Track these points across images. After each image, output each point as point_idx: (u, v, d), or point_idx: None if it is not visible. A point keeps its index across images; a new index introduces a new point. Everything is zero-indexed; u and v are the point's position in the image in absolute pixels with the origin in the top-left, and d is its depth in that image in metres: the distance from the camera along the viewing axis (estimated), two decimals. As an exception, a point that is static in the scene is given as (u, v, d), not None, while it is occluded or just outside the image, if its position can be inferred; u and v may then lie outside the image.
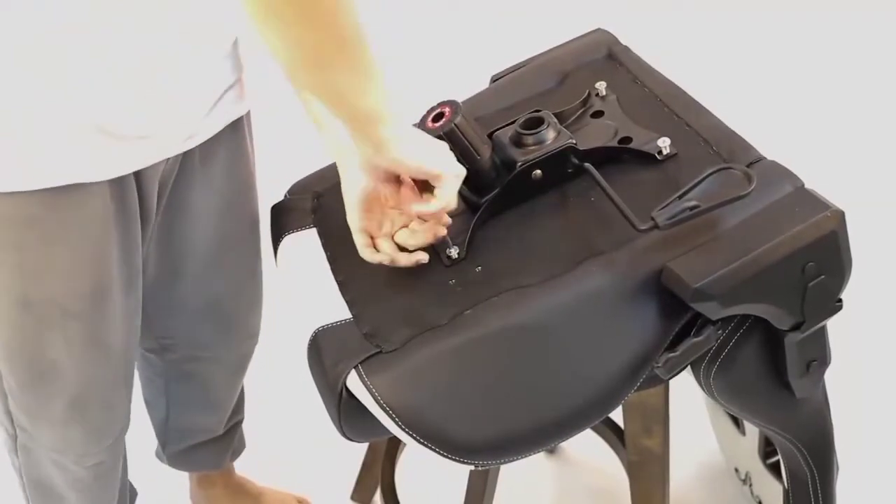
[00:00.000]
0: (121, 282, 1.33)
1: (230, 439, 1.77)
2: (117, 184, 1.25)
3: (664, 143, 1.27)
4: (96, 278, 1.29)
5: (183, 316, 1.53)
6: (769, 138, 1.47)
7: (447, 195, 1.19)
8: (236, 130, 1.41)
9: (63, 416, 1.38)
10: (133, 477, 1.66)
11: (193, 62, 1.25)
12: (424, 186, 1.22)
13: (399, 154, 1.16)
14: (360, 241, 1.24)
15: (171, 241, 1.43)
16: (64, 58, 1.13)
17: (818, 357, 1.26)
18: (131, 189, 1.28)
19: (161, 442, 1.77)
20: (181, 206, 1.40)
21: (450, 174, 1.18)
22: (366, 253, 1.24)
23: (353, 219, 1.23)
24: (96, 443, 1.44)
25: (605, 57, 1.48)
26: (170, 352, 1.61)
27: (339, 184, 1.42)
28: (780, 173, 1.21)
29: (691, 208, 1.13)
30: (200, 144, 1.33)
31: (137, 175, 1.28)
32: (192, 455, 1.76)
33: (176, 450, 1.75)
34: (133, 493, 1.70)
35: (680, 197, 1.14)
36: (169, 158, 1.31)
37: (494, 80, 1.52)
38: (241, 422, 1.78)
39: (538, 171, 1.26)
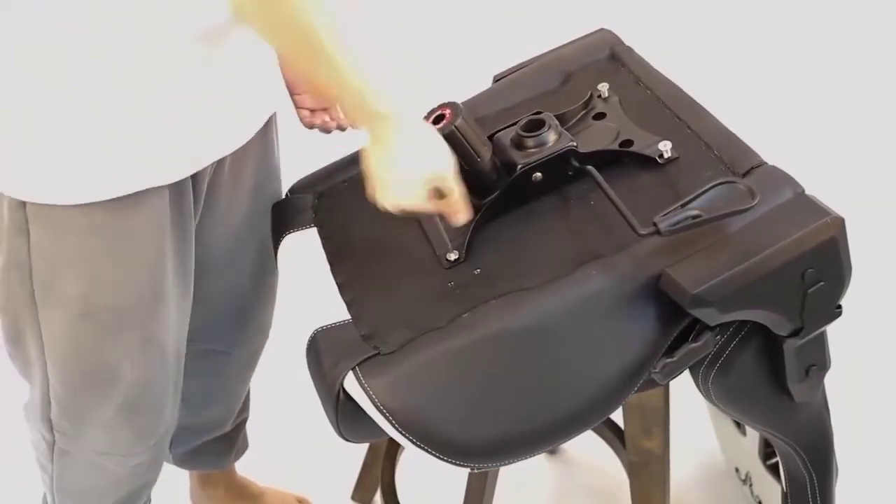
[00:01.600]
0: (176, 284, 1.33)
1: (236, 437, 1.77)
2: (176, 187, 1.26)
3: (665, 147, 1.27)
4: (156, 282, 1.29)
5: (201, 311, 1.52)
6: (770, 139, 1.47)
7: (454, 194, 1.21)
8: (266, 125, 1.41)
9: (114, 418, 1.38)
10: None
11: (244, 53, 1.25)
12: None
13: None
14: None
15: (198, 237, 1.43)
16: (148, 58, 1.14)
17: (817, 362, 1.26)
18: (188, 191, 1.29)
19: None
20: (212, 202, 1.40)
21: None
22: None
23: None
24: (143, 442, 1.44)
25: (607, 57, 1.47)
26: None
27: (339, 183, 1.43)
28: (781, 179, 1.21)
29: (694, 217, 1.13)
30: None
31: (192, 177, 1.28)
32: (200, 454, 1.76)
33: (184, 450, 1.74)
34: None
35: (683, 205, 1.14)
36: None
37: (497, 79, 1.52)
38: (246, 420, 1.78)
39: (538, 174, 1.26)
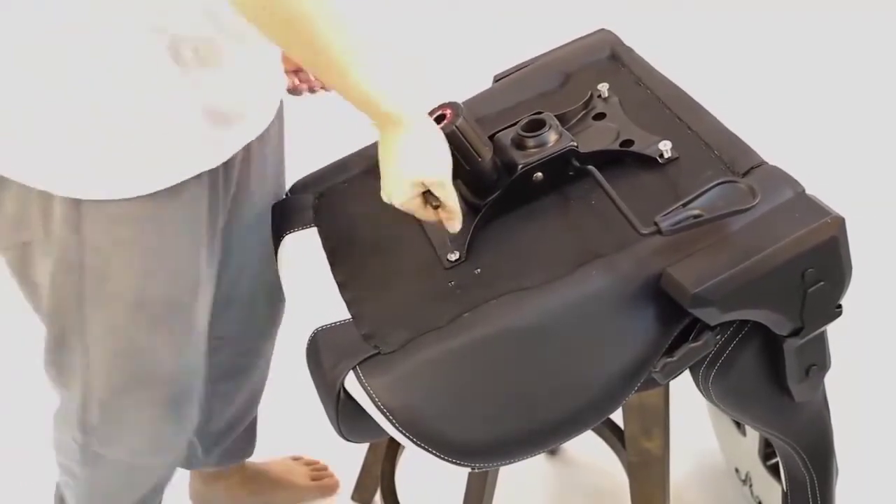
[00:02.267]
0: (209, 267, 1.34)
1: (255, 424, 1.79)
2: (214, 171, 1.27)
3: (665, 147, 1.27)
4: (197, 268, 1.30)
5: (232, 311, 1.53)
6: (770, 139, 1.47)
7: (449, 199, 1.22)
8: (280, 109, 1.42)
9: (159, 414, 1.38)
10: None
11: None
12: None
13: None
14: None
15: (230, 223, 1.43)
16: (178, 50, 1.15)
17: (818, 362, 1.26)
18: (220, 175, 1.30)
19: (194, 449, 1.74)
20: (242, 192, 1.40)
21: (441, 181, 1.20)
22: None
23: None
24: (184, 435, 1.45)
25: (608, 57, 1.47)
26: (218, 353, 1.59)
27: (339, 183, 1.43)
28: (781, 178, 1.21)
29: (695, 216, 1.13)
30: None
31: (225, 162, 1.29)
32: (233, 449, 1.77)
33: (224, 447, 1.75)
34: None
35: (684, 205, 1.14)
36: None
37: (497, 79, 1.52)
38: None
39: (539, 174, 1.26)
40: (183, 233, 1.27)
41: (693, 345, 1.16)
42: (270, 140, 1.41)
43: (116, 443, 1.42)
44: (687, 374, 1.23)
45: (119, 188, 1.20)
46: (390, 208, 1.26)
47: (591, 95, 1.38)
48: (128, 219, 1.22)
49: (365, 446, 1.82)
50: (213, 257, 1.36)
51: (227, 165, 1.31)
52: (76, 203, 1.20)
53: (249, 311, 1.56)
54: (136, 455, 1.45)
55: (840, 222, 1.16)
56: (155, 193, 1.21)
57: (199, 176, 1.25)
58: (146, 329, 1.30)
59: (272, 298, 1.56)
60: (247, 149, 1.35)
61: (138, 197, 1.21)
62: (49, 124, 1.16)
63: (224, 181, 1.32)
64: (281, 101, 1.42)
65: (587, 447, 1.82)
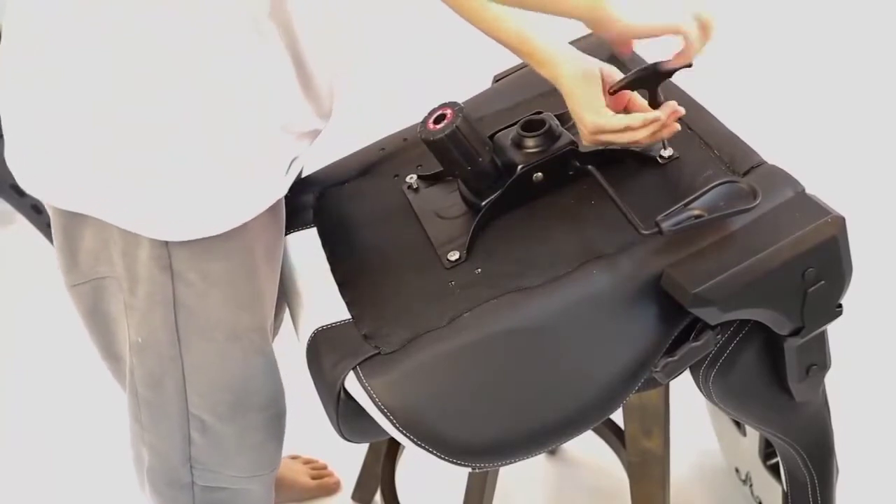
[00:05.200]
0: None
1: None
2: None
3: (665, 147, 1.27)
4: (275, 291, 1.29)
5: None
6: (770, 139, 1.47)
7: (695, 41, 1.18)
8: None
9: (262, 438, 1.37)
10: (127, 488, 1.64)
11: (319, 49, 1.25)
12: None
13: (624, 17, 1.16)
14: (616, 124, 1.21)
15: None
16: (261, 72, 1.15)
17: (818, 361, 1.26)
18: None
19: None
20: None
21: (688, 25, 1.17)
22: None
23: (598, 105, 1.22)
24: (281, 451, 1.43)
25: (607, 58, 1.47)
26: None
27: (339, 183, 1.42)
28: (781, 178, 1.21)
29: (696, 216, 1.13)
30: None
31: None
32: None
33: None
34: None
35: (685, 205, 1.14)
36: None
37: (497, 79, 1.52)
38: None
39: (539, 174, 1.26)
40: (262, 258, 1.25)
41: (694, 344, 1.16)
42: None
43: (225, 470, 1.38)
44: (687, 374, 1.23)
45: (209, 225, 1.17)
46: (390, 209, 1.26)
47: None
48: (217, 253, 1.19)
49: (365, 446, 1.82)
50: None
51: None
52: (164, 243, 1.17)
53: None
54: (244, 481, 1.41)
55: (840, 222, 1.16)
56: (244, 224, 1.19)
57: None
58: (242, 358, 1.28)
59: (282, 299, 1.56)
60: None
61: (227, 232, 1.18)
62: (139, 161, 1.12)
63: None
64: None
65: (587, 447, 1.82)
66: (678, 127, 1.25)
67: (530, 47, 1.22)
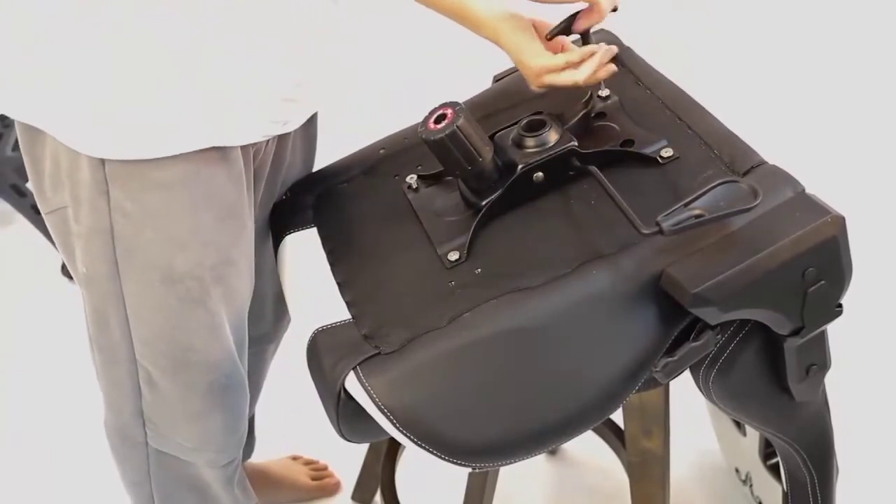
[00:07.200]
0: (248, 246, 1.31)
1: (253, 425, 1.77)
2: (247, 150, 1.25)
3: (666, 147, 1.27)
4: (235, 242, 1.27)
5: (254, 302, 1.51)
6: (770, 139, 1.47)
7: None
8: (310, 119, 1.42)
9: (204, 405, 1.33)
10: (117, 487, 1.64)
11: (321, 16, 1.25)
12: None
13: None
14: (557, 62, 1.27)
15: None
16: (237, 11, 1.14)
17: (818, 361, 1.26)
18: (261, 153, 1.29)
19: None
20: (272, 179, 1.39)
21: None
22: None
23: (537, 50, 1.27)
24: (232, 433, 1.40)
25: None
26: None
27: (339, 183, 1.43)
28: (781, 178, 1.21)
29: (697, 216, 1.13)
30: None
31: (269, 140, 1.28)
32: None
33: None
34: None
35: (686, 205, 1.14)
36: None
37: (497, 79, 1.52)
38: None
39: (540, 174, 1.26)
40: (221, 205, 1.23)
41: (694, 344, 1.16)
42: (297, 145, 1.41)
43: (173, 434, 1.37)
44: (687, 374, 1.23)
45: (143, 148, 1.15)
46: (390, 209, 1.25)
47: (591, 95, 1.38)
48: (155, 182, 1.17)
49: (365, 446, 1.82)
50: (251, 237, 1.32)
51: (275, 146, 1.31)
52: (101, 164, 1.16)
53: (259, 309, 1.54)
54: (189, 451, 1.39)
55: (840, 221, 1.16)
56: (187, 155, 1.17)
57: (235, 148, 1.21)
58: (180, 306, 1.25)
59: (281, 297, 1.56)
60: (269, 144, 1.34)
61: (168, 158, 1.16)
62: (81, 65, 1.12)
63: (257, 162, 1.30)
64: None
65: (587, 447, 1.82)
66: (615, 68, 1.30)
67: (467, 11, 1.26)
